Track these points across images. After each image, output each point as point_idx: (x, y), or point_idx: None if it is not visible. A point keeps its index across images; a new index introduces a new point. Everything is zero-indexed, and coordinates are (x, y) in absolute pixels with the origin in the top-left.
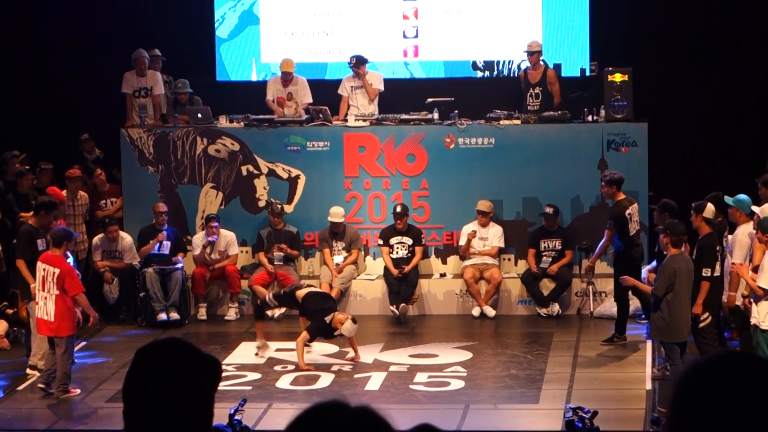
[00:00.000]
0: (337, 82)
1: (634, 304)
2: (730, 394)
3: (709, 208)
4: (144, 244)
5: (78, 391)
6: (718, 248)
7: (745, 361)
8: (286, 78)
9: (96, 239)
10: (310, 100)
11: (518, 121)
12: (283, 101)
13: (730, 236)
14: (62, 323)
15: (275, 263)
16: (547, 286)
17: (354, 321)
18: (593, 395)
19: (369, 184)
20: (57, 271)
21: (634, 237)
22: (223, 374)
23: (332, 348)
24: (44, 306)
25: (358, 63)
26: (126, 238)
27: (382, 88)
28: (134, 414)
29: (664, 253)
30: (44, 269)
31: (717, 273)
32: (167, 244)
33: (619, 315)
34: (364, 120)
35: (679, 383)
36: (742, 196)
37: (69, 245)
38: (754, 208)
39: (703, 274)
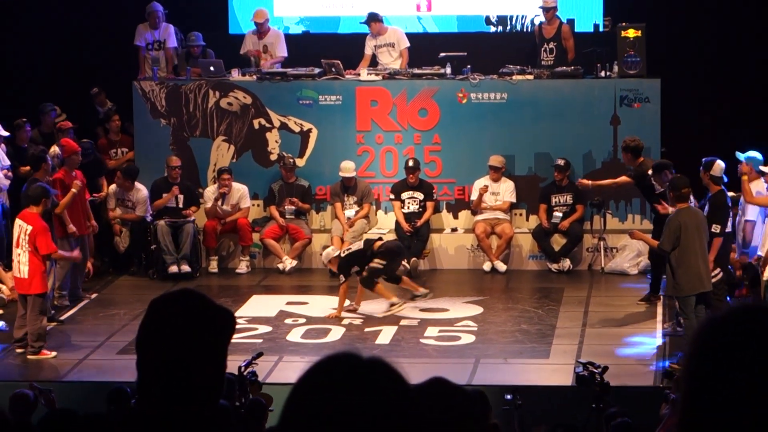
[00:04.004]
0: (350, 36)
1: (645, 261)
2: (750, 347)
3: (718, 167)
4: (156, 197)
5: (54, 353)
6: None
7: (764, 314)
8: (260, 30)
9: (112, 187)
10: (285, 54)
11: (531, 77)
12: (259, 54)
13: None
14: (33, 281)
15: (286, 217)
16: (558, 241)
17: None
18: (604, 350)
19: (381, 139)
20: (30, 228)
21: None
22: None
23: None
24: (18, 264)
25: (369, 20)
26: (141, 191)
27: (407, 43)
28: (148, 365)
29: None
30: (20, 226)
31: (728, 229)
32: (180, 197)
33: (654, 274)
34: (377, 74)
35: (697, 337)
36: (754, 153)
37: (47, 202)
38: (764, 168)
39: (713, 230)
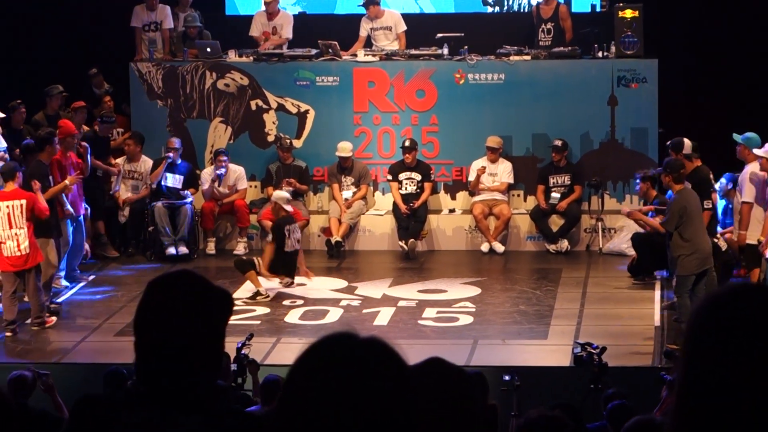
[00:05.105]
0: (347, 17)
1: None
2: (750, 330)
3: (687, 145)
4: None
5: (54, 319)
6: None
7: (764, 295)
8: (270, 11)
9: (120, 160)
10: (290, 36)
11: (528, 57)
12: (269, 35)
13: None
14: (35, 251)
15: None
16: (556, 222)
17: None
18: (602, 331)
19: (378, 120)
20: (23, 202)
21: None
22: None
23: (341, 283)
24: (15, 244)
25: (367, 3)
26: (148, 162)
27: (404, 27)
28: (146, 346)
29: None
30: (8, 206)
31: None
32: (180, 178)
33: (640, 256)
34: (374, 55)
35: (695, 318)
36: (751, 134)
37: (20, 177)
38: (757, 151)
39: (705, 206)
